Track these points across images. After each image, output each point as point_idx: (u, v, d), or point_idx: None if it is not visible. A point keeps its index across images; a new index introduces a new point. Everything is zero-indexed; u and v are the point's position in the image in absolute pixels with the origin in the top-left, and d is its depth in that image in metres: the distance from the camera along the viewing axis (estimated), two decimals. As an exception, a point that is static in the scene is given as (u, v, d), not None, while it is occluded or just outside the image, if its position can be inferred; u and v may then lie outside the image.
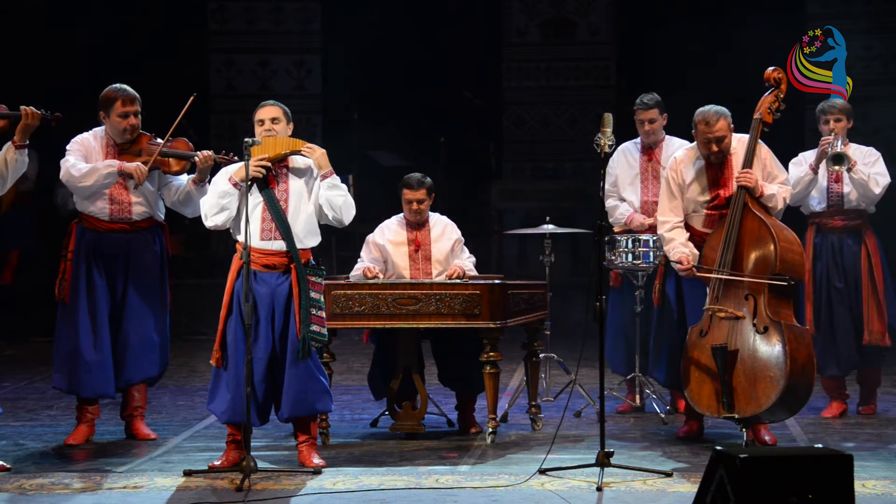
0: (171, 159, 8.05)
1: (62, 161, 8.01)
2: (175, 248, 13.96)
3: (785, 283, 7.49)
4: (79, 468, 7.27)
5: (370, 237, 8.55)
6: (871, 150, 8.88)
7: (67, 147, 8.06)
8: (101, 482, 6.89)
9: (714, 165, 7.82)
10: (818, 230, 8.87)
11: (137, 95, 8.06)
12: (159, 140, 8.08)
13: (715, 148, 7.76)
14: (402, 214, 8.55)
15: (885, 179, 8.76)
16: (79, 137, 8.08)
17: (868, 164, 8.77)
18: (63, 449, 7.85)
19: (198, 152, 8.01)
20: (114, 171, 7.93)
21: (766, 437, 7.85)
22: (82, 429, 8.07)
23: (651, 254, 8.71)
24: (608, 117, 7.21)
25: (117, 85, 8.09)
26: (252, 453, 6.79)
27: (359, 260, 8.51)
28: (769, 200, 7.73)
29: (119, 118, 8.01)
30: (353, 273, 8.41)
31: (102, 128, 8.11)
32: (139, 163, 7.96)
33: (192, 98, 7.95)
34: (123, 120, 8.01)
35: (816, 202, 8.86)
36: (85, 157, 8.01)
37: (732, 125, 7.82)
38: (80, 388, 8.01)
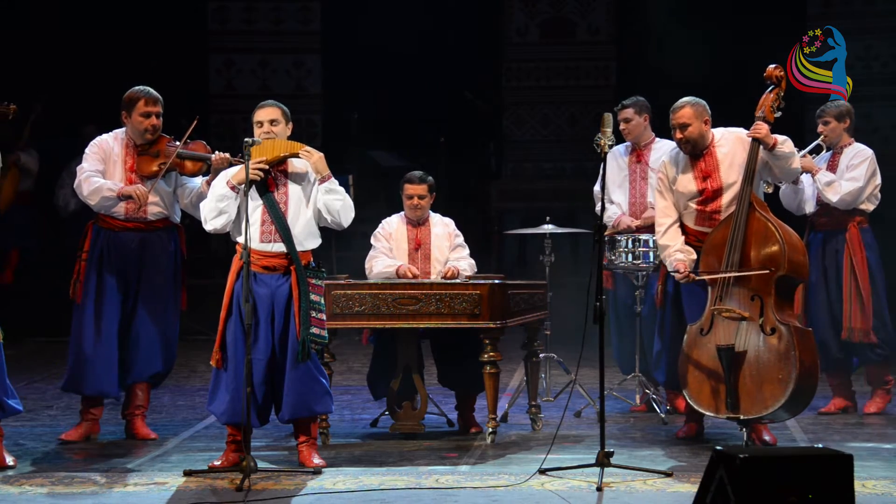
0: (187, 161, 8.08)
1: (78, 168, 8.05)
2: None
3: (768, 273, 7.45)
4: (79, 468, 7.26)
5: (376, 231, 8.53)
6: (863, 151, 8.83)
7: (86, 150, 8.09)
8: (102, 482, 6.88)
9: (699, 159, 7.80)
10: (811, 227, 8.94)
11: (160, 97, 8.13)
12: (178, 142, 8.11)
13: (679, 135, 7.76)
14: (402, 213, 8.55)
15: (853, 185, 8.70)
16: (98, 139, 8.13)
17: (851, 166, 8.76)
18: (63, 449, 7.84)
19: (214, 153, 8.03)
20: (112, 196, 7.95)
21: (767, 437, 7.84)
22: (80, 427, 8.06)
23: (651, 254, 8.71)
24: (608, 117, 7.22)
25: (140, 86, 8.15)
26: (252, 453, 6.79)
27: (371, 256, 8.41)
28: (784, 146, 7.65)
29: (141, 118, 8.05)
30: (377, 270, 8.32)
31: (123, 129, 8.15)
32: (139, 185, 7.98)
33: (195, 120, 8.05)
34: (145, 120, 8.05)
35: (811, 205, 8.88)
36: (102, 160, 8.03)
37: (708, 117, 7.77)
38: (82, 386, 8.01)
